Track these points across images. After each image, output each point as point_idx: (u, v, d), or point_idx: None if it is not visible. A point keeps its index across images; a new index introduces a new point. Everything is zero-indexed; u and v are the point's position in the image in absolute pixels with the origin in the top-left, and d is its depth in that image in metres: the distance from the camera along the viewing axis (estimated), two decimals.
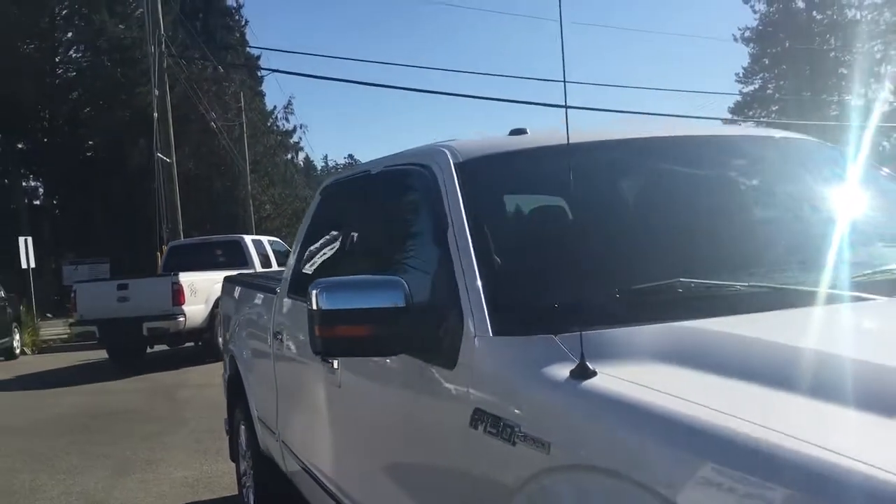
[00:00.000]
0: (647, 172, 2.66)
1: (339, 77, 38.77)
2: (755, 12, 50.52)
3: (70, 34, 34.74)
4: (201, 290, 12.81)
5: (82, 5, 33.60)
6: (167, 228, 20.15)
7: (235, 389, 4.90)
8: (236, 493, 5.11)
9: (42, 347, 17.92)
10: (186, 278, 12.74)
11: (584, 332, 1.71)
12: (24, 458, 7.08)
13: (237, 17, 48.49)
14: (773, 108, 51.76)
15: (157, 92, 19.78)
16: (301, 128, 46.85)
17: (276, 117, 45.59)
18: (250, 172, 36.06)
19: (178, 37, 34.49)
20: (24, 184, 35.42)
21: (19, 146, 34.57)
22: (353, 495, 2.92)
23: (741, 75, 52.37)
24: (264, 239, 16.20)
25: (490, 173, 2.53)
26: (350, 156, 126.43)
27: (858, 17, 48.76)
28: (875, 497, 1.07)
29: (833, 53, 48.94)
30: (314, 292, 2.15)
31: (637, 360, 1.70)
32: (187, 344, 13.81)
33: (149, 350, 14.21)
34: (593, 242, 2.27)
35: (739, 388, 1.49)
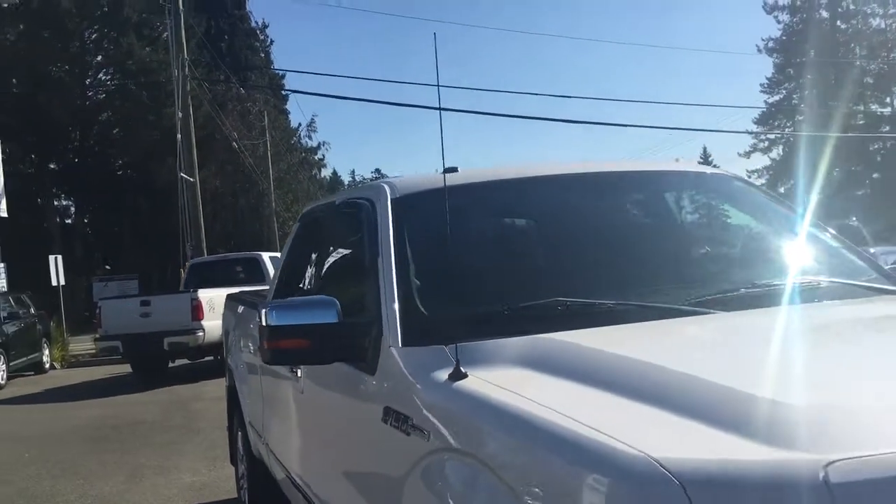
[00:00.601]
0: (546, 206, 3.05)
1: (358, 97, 39.39)
2: (779, 22, 50.59)
3: (99, 57, 35.86)
4: (220, 305, 13.24)
5: (111, 29, 34.67)
6: (191, 246, 20.79)
7: (233, 398, 5.34)
8: (236, 495, 5.53)
9: (71, 362, 18.55)
10: (205, 294, 13.25)
11: (463, 343, 2.10)
12: (47, 466, 7.56)
13: (262, 37, 49.61)
14: (799, 119, 51.75)
15: (180, 114, 20.46)
16: (324, 145, 47.71)
17: (300, 135, 46.50)
18: (274, 189, 36.77)
19: (203, 59, 35.41)
20: (56, 203, 36.46)
21: (52, 166, 35.64)
22: (315, 489, 3.32)
23: (766, 86, 52.45)
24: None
25: (419, 207, 2.93)
26: (377, 170, 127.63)
27: (883, 25, 48.71)
28: (617, 466, 1.43)
29: (858, 63, 48.85)
30: (263, 311, 2.55)
31: (504, 365, 2.08)
32: (206, 358, 14.31)
33: (171, 364, 14.74)
34: (493, 268, 2.67)
35: (568, 387, 1.87)
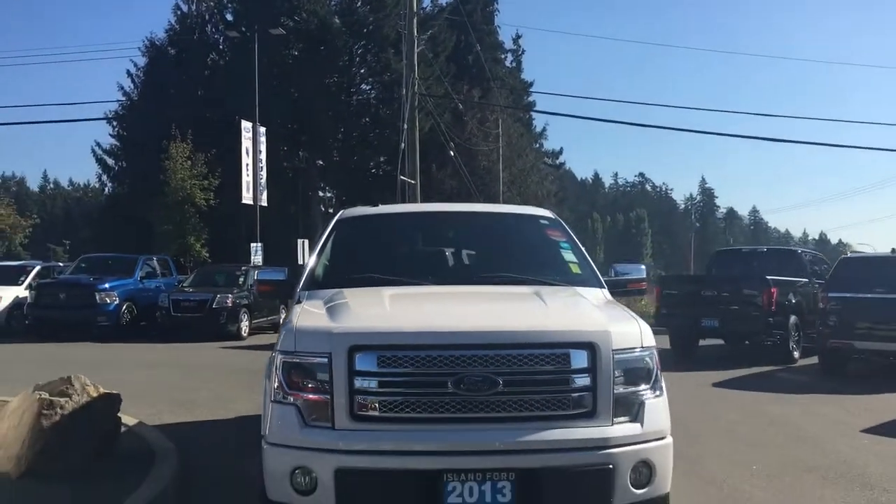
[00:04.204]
0: (410, 228, 5.50)
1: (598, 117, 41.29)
2: None
3: (363, 70, 41.05)
4: None
5: (374, 45, 39.65)
6: None
7: None
8: None
9: None
10: None
11: (313, 290, 4.67)
12: (234, 383, 10.93)
13: (515, 47, 53.15)
14: None
15: (405, 126, 23.99)
16: (560, 151, 50.58)
17: (541, 142, 49.77)
18: (505, 191, 39.94)
19: (451, 70, 39.34)
20: (321, 194, 42.33)
21: (319, 163, 41.46)
22: None
23: None
24: None
25: (347, 225, 5.52)
26: (641, 174, 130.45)
27: None
28: (290, 329, 3.97)
29: None
30: (255, 272, 5.31)
31: (319, 300, 4.58)
32: None
33: None
34: (361, 259, 5.21)
35: (320, 305, 4.39)
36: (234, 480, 5.80)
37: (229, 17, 40.14)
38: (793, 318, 14.29)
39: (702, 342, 15.63)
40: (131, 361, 14.14)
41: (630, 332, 4.08)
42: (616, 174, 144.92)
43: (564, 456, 3.79)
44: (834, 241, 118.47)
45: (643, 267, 5.54)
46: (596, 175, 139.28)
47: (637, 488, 3.88)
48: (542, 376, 3.83)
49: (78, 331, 18.28)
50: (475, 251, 5.41)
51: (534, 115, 50.67)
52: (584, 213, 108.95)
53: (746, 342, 15.29)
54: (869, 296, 11.81)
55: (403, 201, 24.19)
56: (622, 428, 3.89)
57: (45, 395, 5.87)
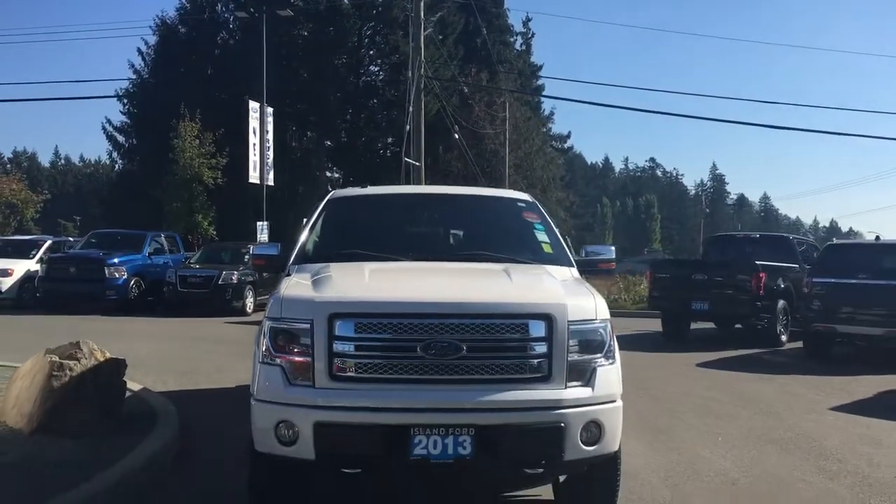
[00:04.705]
0: (392, 208, 5.89)
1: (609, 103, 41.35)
2: None
3: (371, 51, 41.34)
4: None
5: (383, 26, 39.91)
6: None
7: None
8: None
9: None
10: None
11: (300, 264, 5.08)
12: (227, 354, 11.38)
13: (525, 31, 53.38)
14: None
15: (411, 109, 24.29)
16: (568, 135, 50.82)
17: (548, 125, 49.91)
18: (511, 174, 40.24)
19: (459, 52, 39.57)
20: (328, 174, 42.72)
21: (327, 143, 41.83)
22: None
23: None
24: None
25: (336, 204, 5.91)
26: (652, 159, 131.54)
27: None
28: (279, 298, 4.40)
29: None
30: (251, 248, 5.74)
31: (307, 273, 5.00)
32: None
33: None
34: (347, 238, 5.61)
35: (307, 278, 4.80)
36: (229, 438, 6.25)
37: None
38: (781, 303, 14.66)
39: (693, 325, 16.01)
40: (138, 334, 14.65)
41: (585, 306, 4.48)
42: (626, 159, 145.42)
43: (520, 415, 4.20)
44: (845, 228, 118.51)
45: (612, 248, 5.96)
46: (606, 159, 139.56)
47: (587, 445, 4.29)
48: (502, 343, 4.24)
49: (87, 304, 18.84)
50: (454, 230, 5.84)
51: (542, 98, 50.94)
52: (593, 198, 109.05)
53: (736, 325, 15.69)
54: (852, 281, 12.22)
55: (408, 183, 24.56)
56: (574, 391, 4.30)
57: (56, 358, 6.33)
